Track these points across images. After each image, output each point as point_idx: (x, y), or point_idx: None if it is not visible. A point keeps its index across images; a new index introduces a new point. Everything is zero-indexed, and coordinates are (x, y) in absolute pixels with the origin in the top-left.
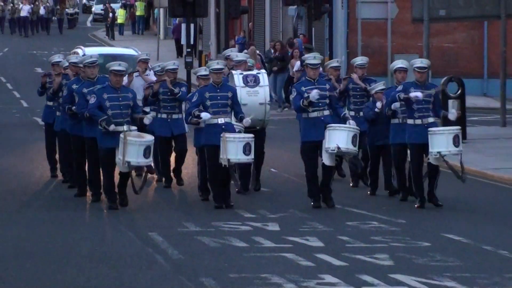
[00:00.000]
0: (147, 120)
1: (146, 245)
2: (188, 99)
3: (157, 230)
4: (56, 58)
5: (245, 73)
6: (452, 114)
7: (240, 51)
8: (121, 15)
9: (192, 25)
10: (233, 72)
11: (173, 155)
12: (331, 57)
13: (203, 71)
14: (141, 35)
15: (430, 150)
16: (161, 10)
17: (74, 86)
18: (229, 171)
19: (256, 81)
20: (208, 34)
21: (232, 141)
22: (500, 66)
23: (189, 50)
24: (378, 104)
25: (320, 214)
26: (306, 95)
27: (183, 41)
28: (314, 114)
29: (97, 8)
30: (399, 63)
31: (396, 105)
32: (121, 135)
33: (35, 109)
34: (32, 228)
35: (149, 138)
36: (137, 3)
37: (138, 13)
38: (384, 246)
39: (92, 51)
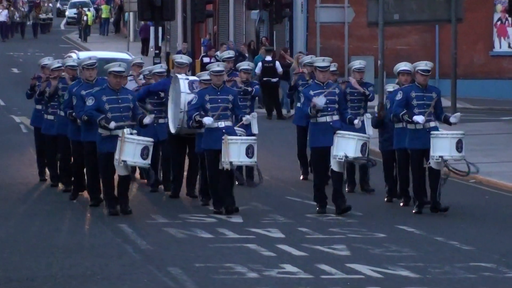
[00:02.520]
0: (147, 119)
1: (116, 236)
2: (189, 103)
3: (126, 222)
4: (46, 60)
5: (191, 78)
6: (455, 117)
7: (205, 52)
8: (89, 17)
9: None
10: (178, 76)
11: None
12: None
13: (205, 75)
14: (111, 37)
15: (431, 153)
16: (131, 13)
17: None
18: (231, 176)
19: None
20: (176, 37)
21: (234, 143)
22: (451, 67)
23: (157, 52)
24: (376, 108)
25: (281, 207)
26: (312, 103)
27: (152, 43)
28: (323, 119)
29: (70, 12)
30: (402, 65)
31: (406, 119)
32: (120, 134)
33: (11, 107)
34: (6, 219)
35: (148, 138)
36: (102, 6)
37: (104, 15)
38: (342, 237)
39: (86, 55)
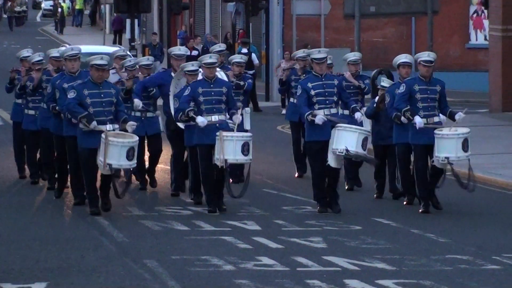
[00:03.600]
0: (130, 129)
1: (93, 229)
2: (177, 96)
3: (102, 215)
4: (25, 53)
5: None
6: (460, 116)
7: (182, 45)
8: (64, 9)
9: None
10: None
11: (147, 155)
12: (267, 51)
13: (190, 66)
14: (86, 29)
15: (437, 154)
16: (107, 6)
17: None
18: (222, 174)
19: None
20: (152, 29)
21: (230, 139)
22: None
23: (133, 44)
24: (376, 99)
25: (257, 200)
26: (314, 99)
27: (128, 35)
28: (320, 112)
29: (46, 4)
30: (402, 57)
31: (404, 120)
32: (102, 135)
33: None
34: None
35: (133, 138)
36: None
37: (77, 7)
38: (318, 230)
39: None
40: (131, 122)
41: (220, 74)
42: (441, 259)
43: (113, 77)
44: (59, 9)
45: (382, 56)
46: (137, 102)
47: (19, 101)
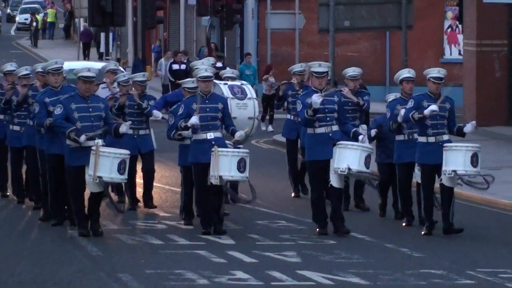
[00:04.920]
0: (124, 127)
1: (67, 242)
2: (172, 112)
3: (76, 228)
4: (9, 67)
5: (230, 83)
6: (472, 125)
7: (156, 59)
8: (39, 22)
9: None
10: (217, 81)
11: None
12: None
13: (190, 83)
14: (61, 43)
15: (444, 168)
16: (81, 19)
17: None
18: (220, 192)
19: (243, 93)
20: (126, 43)
21: (225, 155)
22: None
23: (108, 58)
24: (372, 132)
25: (232, 214)
26: (308, 100)
27: (102, 48)
28: (321, 130)
29: (20, 18)
30: (405, 72)
31: (403, 114)
32: (93, 148)
33: None
34: None
35: (124, 151)
36: (48, 11)
37: (49, 19)
38: (292, 244)
39: (71, 65)
40: (123, 125)
41: (248, 88)
42: (415, 274)
43: (102, 92)
44: (34, 23)
45: None
46: (157, 114)
47: (1, 116)
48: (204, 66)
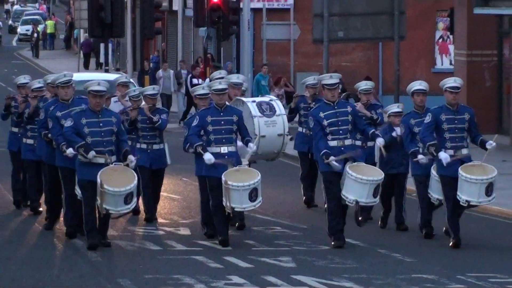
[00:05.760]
0: (130, 163)
1: (67, 249)
2: (186, 124)
3: (77, 235)
4: (22, 79)
5: (258, 100)
6: (490, 145)
7: (154, 70)
8: (40, 33)
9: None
10: (244, 99)
11: None
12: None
13: (200, 90)
14: (61, 53)
15: (459, 193)
16: (81, 30)
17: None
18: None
19: (271, 109)
20: (125, 53)
21: (236, 190)
22: (394, 84)
23: (107, 68)
24: (398, 130)
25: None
26: (327, 130)
27: (102, 59)
28: (334, 143)
29: (22, 29)
30: (416, 84)
31: (422, 160)
32: (98, 179)
33: None
34: None
35: (130, 184)
36: (47, 22)
37: (49, 30)
38: (287, 250)
39: (81, 76)
40: (130, 158)
41: (277, 104)
42: (407, 278)
43: (115, 106)
44: (35, 34)
45: (350, 80)
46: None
47: (15, 129)
48: (220, 74)
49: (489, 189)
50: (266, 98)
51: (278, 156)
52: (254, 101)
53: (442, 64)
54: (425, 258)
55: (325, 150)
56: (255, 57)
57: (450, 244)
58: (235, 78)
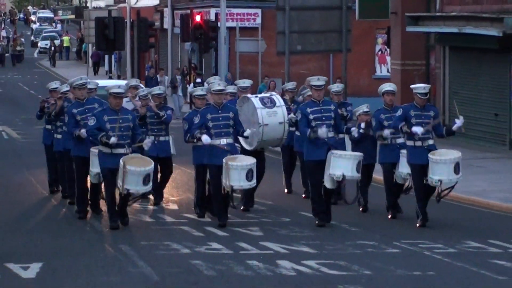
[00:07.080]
0: (146, 146)
1: (79, 221)
2: (186, 119)
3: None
4: (53, 85)
5: (260, 95)
6: (460, 121)
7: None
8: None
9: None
10: (248, 95)
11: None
12: None
13: (199, 91)
14: (74, 63)
15: (431, 175)
16: (90, 44)
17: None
18: (228, 195)
19: (272, 102)
20: (125, 63)
21: (235, 168)
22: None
23: (110, 75)
24: (362, 125)
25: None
26: (313, 123)
27: (106, 67)
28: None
29: (42, 43)
30: (386, 86)
31: (387, 133)
32: (121, 162)
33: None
34: None
35: (149, 166)
36: (64, 38)
37: (65, 44)
38: (256, 221)
39: (97, 83)
40: (147, 140)
41: (276, 97)
42: (353, 244)
43: (126, 105)
44: (52, 47)
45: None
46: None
47: (49, 126)
48: (217, 81)
49: (456, 168)
50: (267, 94)
51: (282, 141)
52: (257, 97)
53: (381, 72)
54: (367, 228)
55: (309, 130)
56: (230, 66)
57: (418, 224)
58: (241, 83)
